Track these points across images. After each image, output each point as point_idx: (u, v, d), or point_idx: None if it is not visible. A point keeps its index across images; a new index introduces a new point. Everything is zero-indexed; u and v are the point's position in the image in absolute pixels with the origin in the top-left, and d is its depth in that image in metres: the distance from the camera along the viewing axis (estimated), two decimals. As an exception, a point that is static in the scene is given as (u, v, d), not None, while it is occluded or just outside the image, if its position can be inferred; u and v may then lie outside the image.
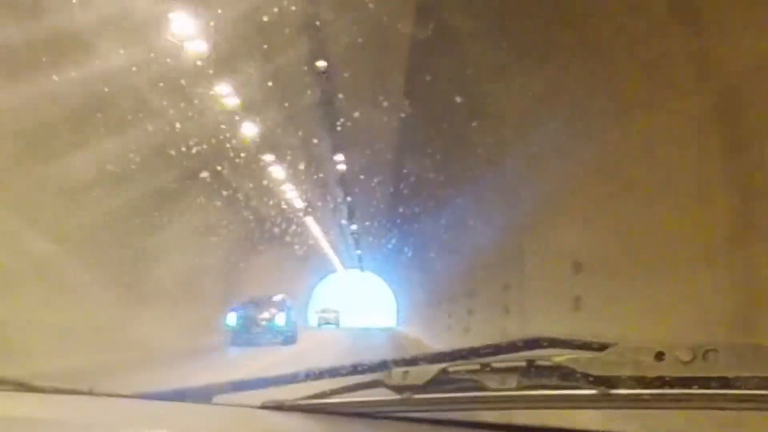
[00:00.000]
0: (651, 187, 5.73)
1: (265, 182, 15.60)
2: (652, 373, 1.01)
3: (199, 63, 9.09)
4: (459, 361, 1.13)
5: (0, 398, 1.18)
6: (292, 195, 18.04)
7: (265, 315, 17.31)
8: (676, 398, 1.02)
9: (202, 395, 1.19)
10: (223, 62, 9.28)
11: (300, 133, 13.14)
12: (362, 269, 36.68)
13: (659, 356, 1.01)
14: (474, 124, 9.03)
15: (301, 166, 15.36)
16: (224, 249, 17.59)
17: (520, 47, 6.73)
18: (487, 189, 10.70)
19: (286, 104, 11.23)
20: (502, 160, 9.34)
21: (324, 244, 27.54)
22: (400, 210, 17.36)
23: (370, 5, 7.42)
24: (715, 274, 4.69)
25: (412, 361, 1.15)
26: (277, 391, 1.18)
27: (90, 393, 1.21)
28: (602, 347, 1.06)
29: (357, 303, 40.64)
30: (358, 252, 31.24)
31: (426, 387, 1.09)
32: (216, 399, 1.19)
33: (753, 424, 1.06)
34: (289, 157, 14.48)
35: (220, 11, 7.95)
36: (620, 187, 6.37)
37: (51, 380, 1.24)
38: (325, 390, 1.16)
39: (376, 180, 16.23)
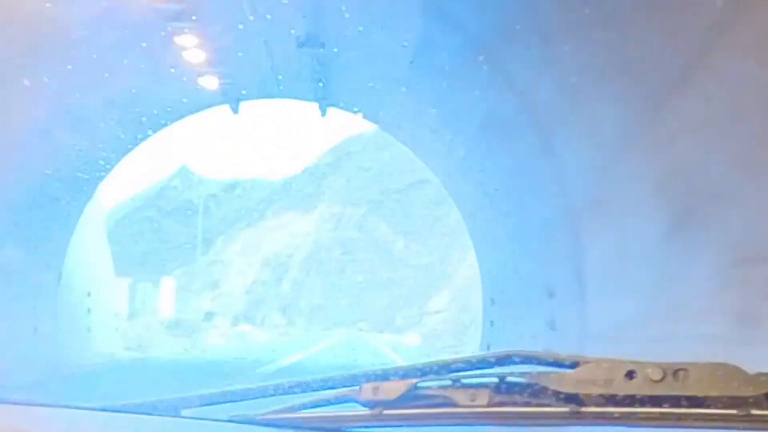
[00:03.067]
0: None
1: None
2: (622, 391, 1.13)
3: None
4: (430, 376, 1.24)
5: None
6: None
7: None
8: (647, 417, 1.14)
9: (171, 408, 1.29)
10: None
11: None
12: (323, 103, 12.06)
13: (630, 374, 1.14)
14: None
15: None
16: None
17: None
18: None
19: None
20: None
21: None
22: None
23: None
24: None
25: (384, 376, 1.26)
26: (247, 404, 1.28)
27: (53, 405, 1.30)
28: (574, 364, 1.19)
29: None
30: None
31: (397, 402, 1.20)
32: (184, 412, 1.28)
33: (722, 443, 1.17)
34: None
35: None
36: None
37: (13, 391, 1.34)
38: (294, 404, 1.26)
39: None
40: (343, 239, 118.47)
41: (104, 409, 1.28)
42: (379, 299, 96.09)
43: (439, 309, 44.08)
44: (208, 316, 51.58)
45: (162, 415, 1.28)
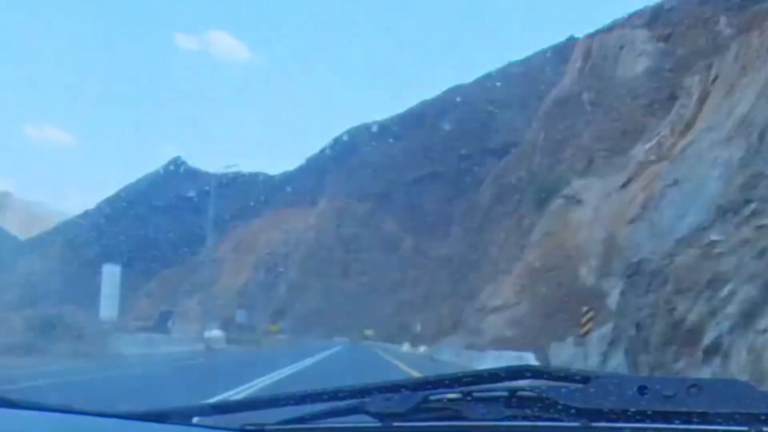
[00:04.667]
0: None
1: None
2: (634, 407, 1.22)
3: None
4: (441, 390, 1.34)
5: None
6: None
7: None
8: None
9: (183, 416, 1.40)
10: None
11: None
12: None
13: (642, 390, 1.23)
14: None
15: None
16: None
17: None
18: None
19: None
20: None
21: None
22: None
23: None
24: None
25: (394, 388, 1.36)
26: (259, 414, 1.39)
27: (68, 410, 1.42)
28: (585, 379, 1.29)
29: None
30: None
31: (407, 415, 1.30)
32: (197, 420, 1.40)
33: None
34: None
35: None
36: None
37: (29, 396, 1.46)
38: (305, 414, 1.37)
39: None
40: (347, 236, 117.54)
41: (115, 416, 1.40)
42: (388, 303, 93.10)
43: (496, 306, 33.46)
44: (164, 316, 44.35)
45: (174, 424, 1.39)
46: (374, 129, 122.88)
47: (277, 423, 1.38)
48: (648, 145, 27.57)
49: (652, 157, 25.92)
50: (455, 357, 27.92)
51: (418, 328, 59.97)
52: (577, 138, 37.62)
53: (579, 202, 30.67)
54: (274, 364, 17.69)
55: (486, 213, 53.58)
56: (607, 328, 18.18)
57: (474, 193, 71.35)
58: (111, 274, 31.85)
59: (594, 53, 42.74)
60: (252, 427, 1.36)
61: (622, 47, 38.77)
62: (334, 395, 1.39)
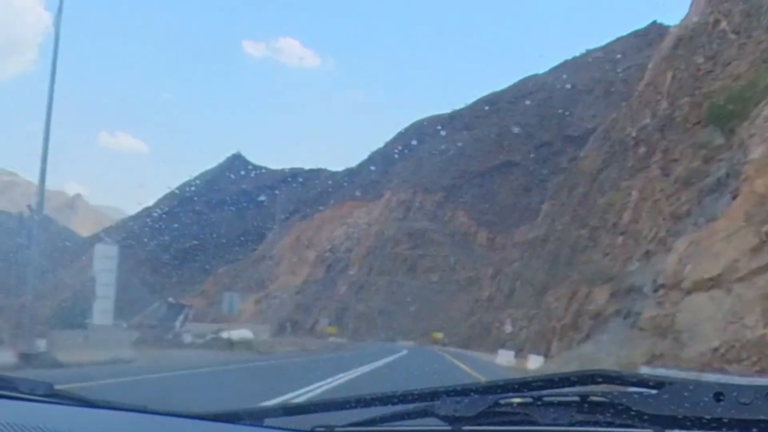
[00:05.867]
0: None
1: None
2: (709, 414, 1.25)
3: None
4: (511, 394, 1.42)
5: (56, 412, 1.55)
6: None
7: None
8: None
9: (255, 417, 1.52)
10: None
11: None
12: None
13: (718, 396, 1.26)
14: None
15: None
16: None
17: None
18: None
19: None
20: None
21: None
22: None
23: None
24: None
25: (464, 392, 1.43)
26: (329, 416, 1.50)
27: (144, 410, 1.56)
28: (658, 384, 1.33)
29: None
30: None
31: (477, 419, 1.38)
32: (268, 422, 1.52)
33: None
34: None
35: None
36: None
37: (106, 396, 1.62)
38: (375, 416, 1.47)
39: None
40: (413, 230, 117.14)
41: (188, 417, 1.53)
42: (460, 302, 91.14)
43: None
44: (173, 311, 40.63)
45: (245, 425, 1.51)
46: (444, 120, 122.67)
47: (347, 425, 1.48)
48: None
49: None
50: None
51: (509, 328, 49.79)
52: (728, 68, 33.46)
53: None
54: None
55: (593, 180, 48.84)
56: None
57: (559, 172, 68.14)
58: (106, 256, 25.52)
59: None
60: (322, 429, 1.47)
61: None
62: (403, 398, 1.48)
